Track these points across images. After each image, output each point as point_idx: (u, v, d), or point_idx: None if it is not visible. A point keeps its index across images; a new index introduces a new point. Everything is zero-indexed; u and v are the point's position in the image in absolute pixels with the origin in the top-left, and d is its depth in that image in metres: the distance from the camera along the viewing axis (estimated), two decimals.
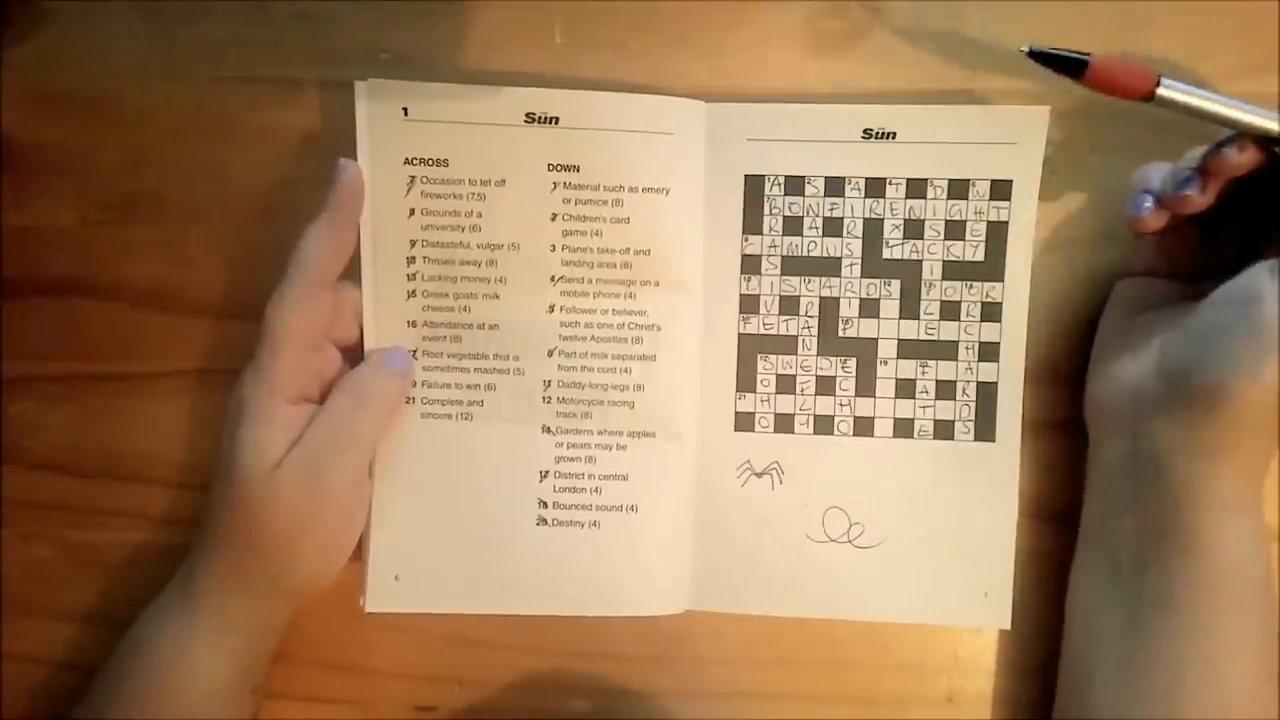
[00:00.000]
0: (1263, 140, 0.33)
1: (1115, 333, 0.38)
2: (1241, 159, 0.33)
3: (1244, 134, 0.33)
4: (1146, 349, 0.36)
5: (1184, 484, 0.34)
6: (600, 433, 0.41)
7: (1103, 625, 0.37)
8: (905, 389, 0.41)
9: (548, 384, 0.41)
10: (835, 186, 0.40)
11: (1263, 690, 0.34)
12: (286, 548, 0.36)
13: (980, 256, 0.40)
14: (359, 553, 0.40)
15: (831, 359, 0.41)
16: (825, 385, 0.41)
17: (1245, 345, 0.32)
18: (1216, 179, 0.34)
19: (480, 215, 0.40)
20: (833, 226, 0.41)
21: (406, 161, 0.40)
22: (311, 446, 0.36)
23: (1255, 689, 0.34)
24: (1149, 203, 0.35)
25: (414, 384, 0.41)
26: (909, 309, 0.41)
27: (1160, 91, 0.34)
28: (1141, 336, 0.36)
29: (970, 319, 0.41)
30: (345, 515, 0.38)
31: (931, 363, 0.41)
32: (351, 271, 0.39)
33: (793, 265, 0.41)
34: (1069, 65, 0.34)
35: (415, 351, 0.41)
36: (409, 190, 0.40)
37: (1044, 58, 0.35)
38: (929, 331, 0.41)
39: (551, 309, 0.41)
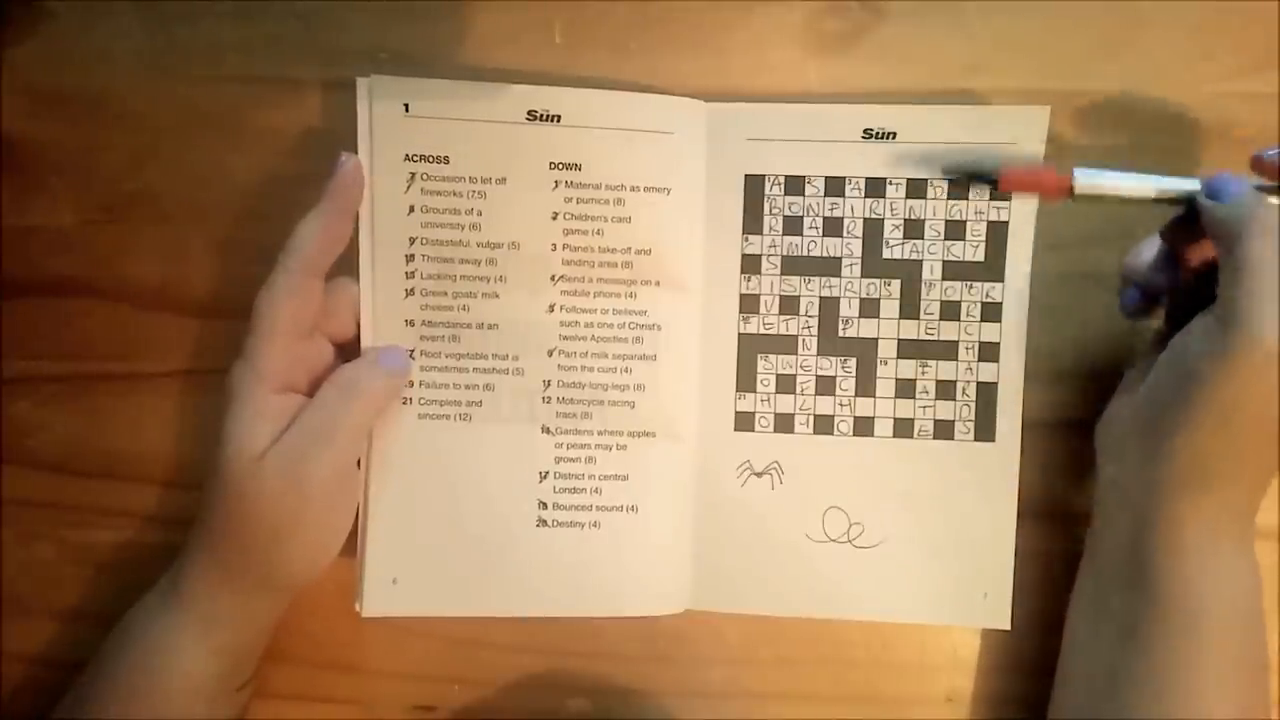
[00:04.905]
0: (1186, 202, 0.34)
1: (1140, 362, 0.38)
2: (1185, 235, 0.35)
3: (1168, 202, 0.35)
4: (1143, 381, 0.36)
5: (1141, 518, 0.35)
6: (600, 433, 0.41)
7: (1093, 633, 0.37)
8: (905, 389, 0.41)
9: (547, 384, 0.41)
10: (835, 186, 0.40)
11: None
12: (271, 541, 0.36)
13: (980, 256, 0.40)
14: (357, 552, 0.40)
15: (831, 359, 0.41)
16: (825, 385, 0.41)
17: (1176, 398, 0.33)
18: (1186, 259, 0.36)
19: (480, 213, 0.40)
20: (833, 226, 0.41)
21: (407, 158, 0.40)
22: (296, 439, 0.36)
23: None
24: (1135, 295, 0.37)
25: (412, 384, 0.40)
26: (909, 309, 0.41)
27: (1078, 188, 0.35)
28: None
29: (970, 319, 0.41)
30: (330, 510, 0.37)
31: (931, 363, 0.41)
32: (350, 267, 0.39)
33: (793, 265, 0.41)
34: (986, 181, 0.37)
35: (413, 351, 0.40)
36: (409, 187, 0.40)
37: (961, 181, 0.38)
38: (929, 331, 0.41)
39: (551, 308, 0.41)
